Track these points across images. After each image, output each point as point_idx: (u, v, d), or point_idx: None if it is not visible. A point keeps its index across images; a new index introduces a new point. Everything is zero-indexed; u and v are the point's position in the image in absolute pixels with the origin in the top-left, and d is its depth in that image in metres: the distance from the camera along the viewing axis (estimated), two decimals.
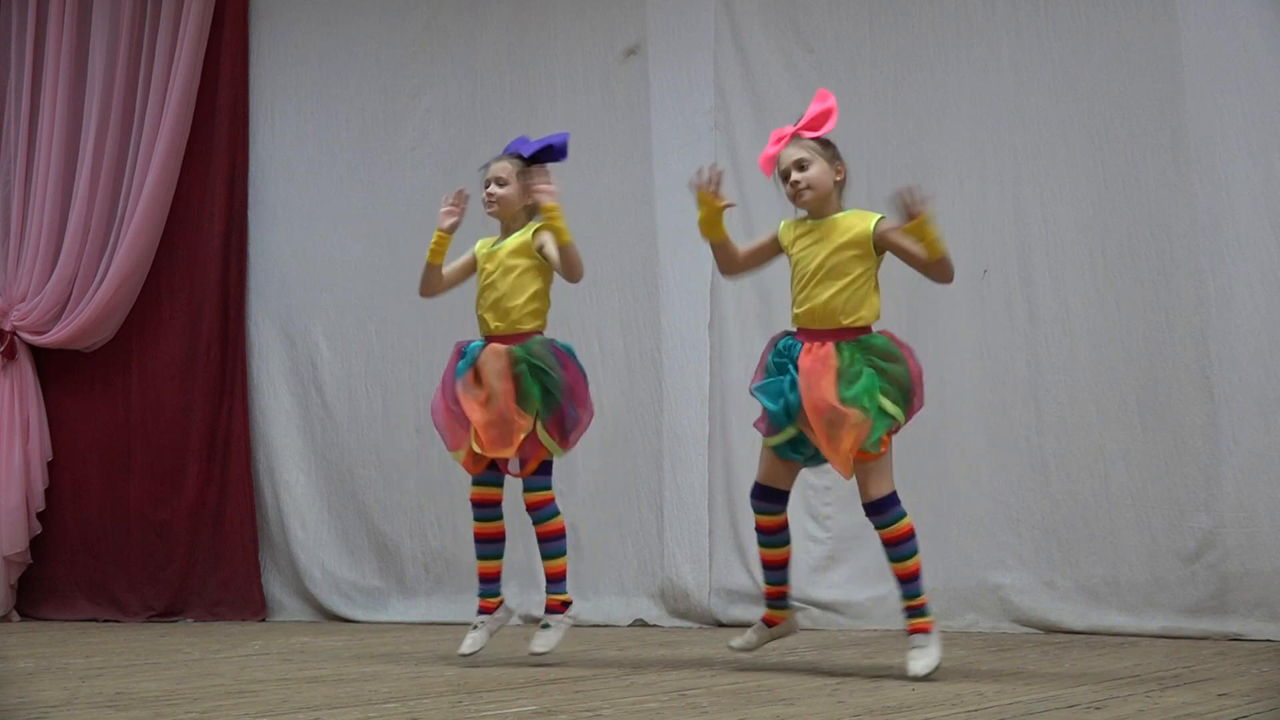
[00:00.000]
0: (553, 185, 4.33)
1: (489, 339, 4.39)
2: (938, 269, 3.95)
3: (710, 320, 5.96)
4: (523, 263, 4.39)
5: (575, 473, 6.15)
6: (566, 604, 4.42)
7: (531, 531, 4.43)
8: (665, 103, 6.16)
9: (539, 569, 5.95)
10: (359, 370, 6.84)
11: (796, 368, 3.90)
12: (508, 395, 4.26)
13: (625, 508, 6.09)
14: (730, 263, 4.19)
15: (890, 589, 5.49)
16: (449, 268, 4.53)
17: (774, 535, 4.08)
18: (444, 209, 4.48)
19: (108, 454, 7.21)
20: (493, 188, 4.44)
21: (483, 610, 4.44)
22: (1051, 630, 5.18)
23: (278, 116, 7.15)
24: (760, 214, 5.93)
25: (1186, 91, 5.10)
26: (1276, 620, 4.79)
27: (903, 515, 3.89)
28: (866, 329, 3.96)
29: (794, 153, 4.01)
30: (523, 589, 6.00)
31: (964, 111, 5.56)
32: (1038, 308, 5.36)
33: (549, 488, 4.39)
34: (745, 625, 5.60)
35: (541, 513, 4.38)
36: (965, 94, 5.56)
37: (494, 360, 4.31)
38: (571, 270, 4.33)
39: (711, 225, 4.09)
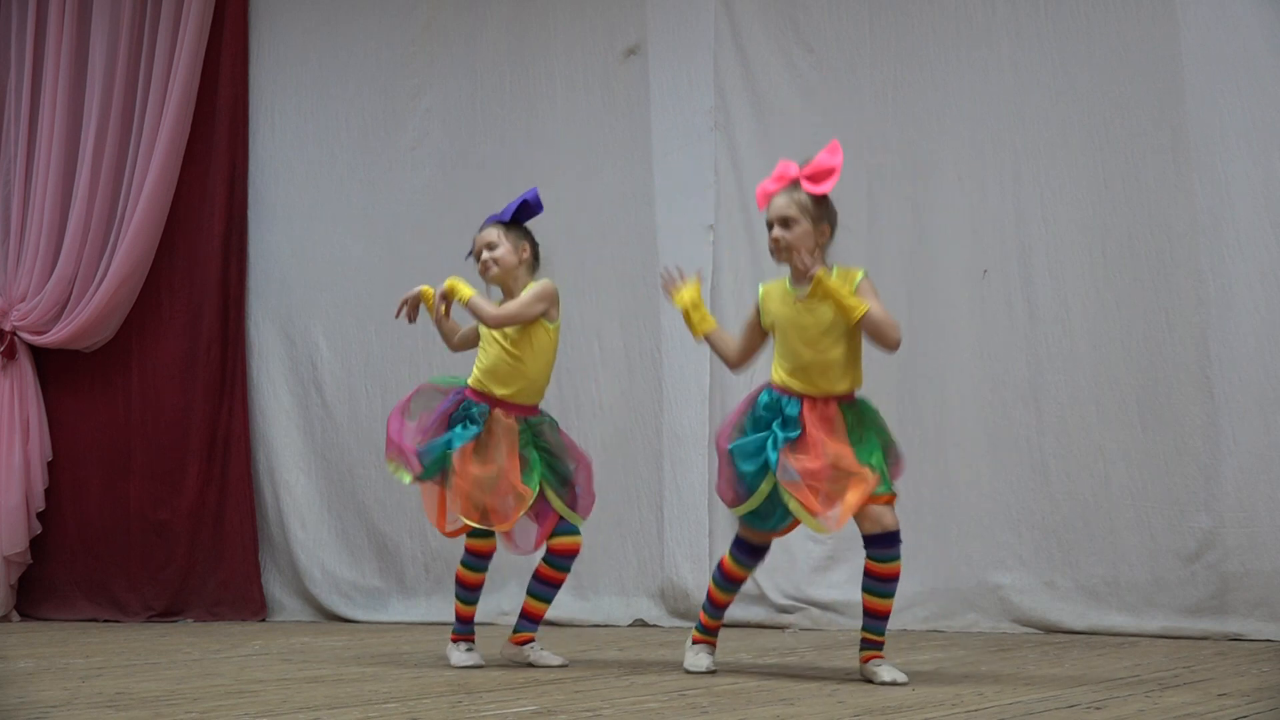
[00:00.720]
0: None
1: (485, 398, 4.27)
2: (872, 333, 3.80)
3: None
4: (525, 330, 4.31)
5: None
6: (527, 642, 4.33)
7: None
8: (665, 103, 6.16)
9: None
10: (359, 370, 6.84)
11: (784, 423, 3.81)
12: (512, 468, 4.20)
13: (625, 508, 6.09)
14: (730, 353, 4.08)
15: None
16: (465, 332, 4.45)
17: (738, 584, 4.07)
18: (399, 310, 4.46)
19: (108, 454, 7.21)
20: (485, 254, 4.38)
21: (465, 640, 4.38)
22: (1051, 630, 5.18)
23: (278, 116, 7.15)
24: (759, 214, 5.93)
25: (1186, 91, 5.10)
26: (1276, 620, 4.79)
27: (898, 557, 3.79)
28: (857, 388, 3.90)
29: (784, 205, 3.87)
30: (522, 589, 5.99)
31: (964, 111, 5.56)
32: (1038, 308, 5.36)
33: (579, 533, 4.31)
34: (745, 626, 5.62)
35: (565, 561, 4.30)
36: (965, 94, 5.56)
37: (506, 436, 4.24)
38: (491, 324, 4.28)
39: (694, 320, 4.05)
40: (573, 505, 4.29)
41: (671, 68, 6.17)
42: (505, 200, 6.74)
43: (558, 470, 4.29)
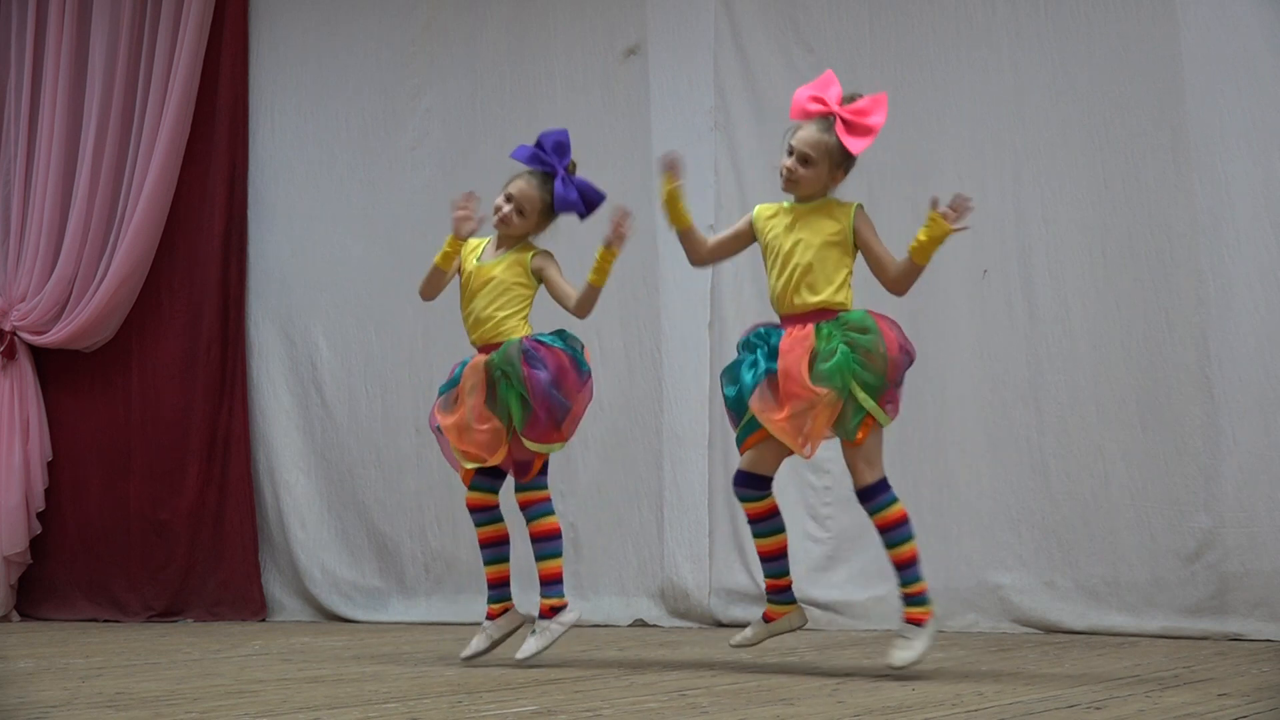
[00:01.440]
0: (625, 235, 4.32)
1: (478, 350, 4.43)
2: (907, 277, 3.90)
3: (710, 320, 5.96)
4: (513, 280, 4.41)
5: (575, 473, 6.15)
6: (556, 609, 4.32)
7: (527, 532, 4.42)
8: (665, 103, 6.16)
9: (537, 570, 5.94)
10: (359, 370, 6.84)
11: (769, 352, 3.88)
12: (475, 407, 4.28)
13: (625, 508, 6.09)
14: (696, 251, 4.16)
15: (891, 589, 5.51)
16: (439, 254, 4.52)
17: (765, 522, 4.03)
18: (458, 213, 4.44)
19: (108, 454, 7.21)
20: (510, 210, 4.38)
21: (489, 616, 4.43)
22: (1051, 630, 5.19)
23: (278, 116, 7.15)
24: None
25: (1186, 91, 5.10)
26: (1276, 620, 4.79)
27: (893, 500, 3.85)
28: (845, 308, 3.90)
29: (810, 141, 3.89)
30: (523, 590, 5.99)
31: (964, 111, 5.56)
32: (1038, 308, 5.36)
33: (543, 487, 4.37)
34: (745, 625, 5.61)
35: (533, 510, 4.35)
36: (965, 94, 5.56)
37: (471, 374, 4.35)
38: (584, 309, 4.39)
39: (672, 211, 4.09)
40: (541, 430, 4.26)
41: (671, 68, 6.16)
42: None
43: (523, 395, 4.27)
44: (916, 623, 3.82)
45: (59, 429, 7.30)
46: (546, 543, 4.36)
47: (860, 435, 3.83)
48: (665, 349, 6.06)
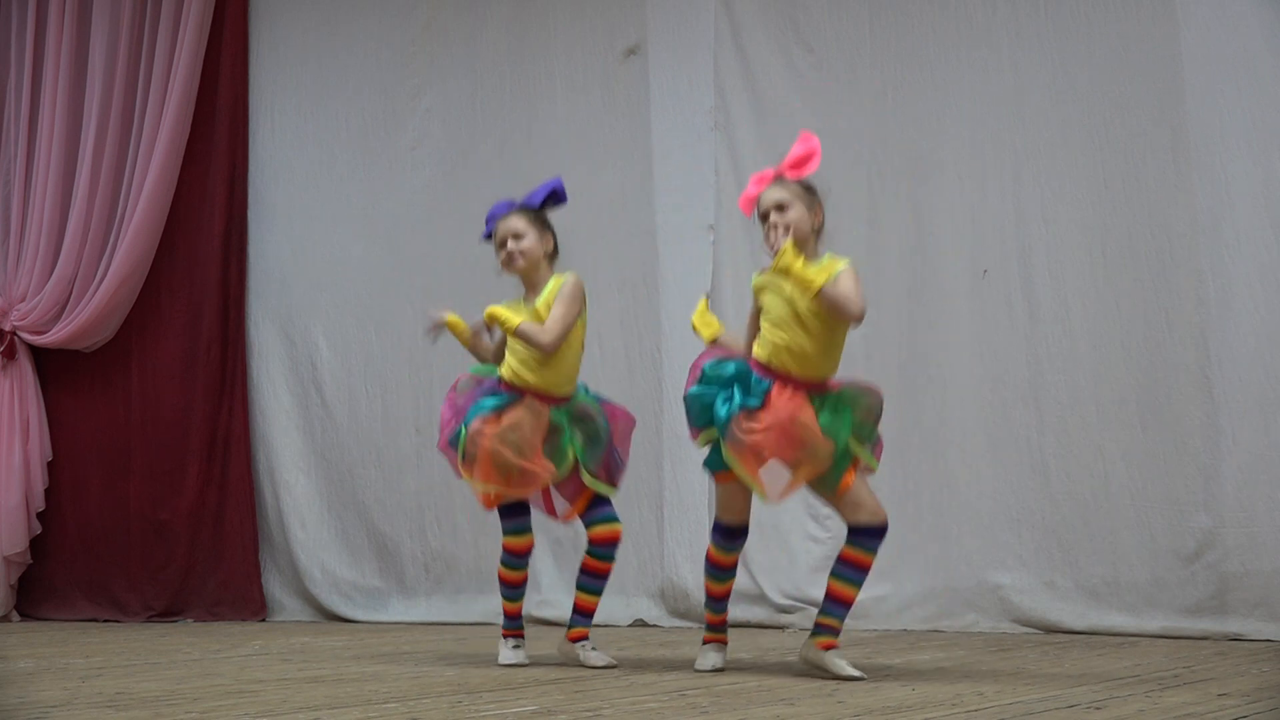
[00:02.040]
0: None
1: (526, 391, 4.24)
2: (830, 308, 3.83)
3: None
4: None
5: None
6: (581, 639, 4.36)
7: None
8: (665, 103, 6.16)
9: (537, 570, 5.94)
10: (359, 370, 6.84)
11: (746, 389, 3.88)
12: (535, 445, 4.19)
13: (625, 508, 6.05)
14: (743, 350, 4.07)
15: (890, 589, 5.52)
16: (498, 344, 4.39)
17: (729, 571, 4.17)
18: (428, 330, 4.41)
19: (108, 454, 7.21)
20: (511, 244, 4.29)
21: (516, 636, 4.40)
22: (1051, 630, 5.18)
23: (278, 116, 7.15)
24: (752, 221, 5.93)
25: (1186, 91, 5.10)
26: (1276, 620, 4.79)
27: (876, 551, 3.91)
28: (831, 381, 3.94)
29: (775, 194, 3.95)
30: (543, 591, 6.00)
31: (964, 111, 5.56)
32: (1038, 308, 5.36)
33: (618, 520, 4.34)
34: (745, 626, 5.63)
35: (608, 550, 4.33)
36: (965, 94, 5.56)
37: (534, 414, 4.22)
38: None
39: (701, 330, 4.14)
40: (605, 473, 4.29)
41: (671, 68, 6.16)
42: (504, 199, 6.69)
43: (594, 439, 4.26)
44: (833, 647, 3.88)
45: (59, 429, 7.30)
46: (601, 579, 4.38)
47: (842, 487, 3.89)
48: (665, 349, 6.06)
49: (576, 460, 4.25)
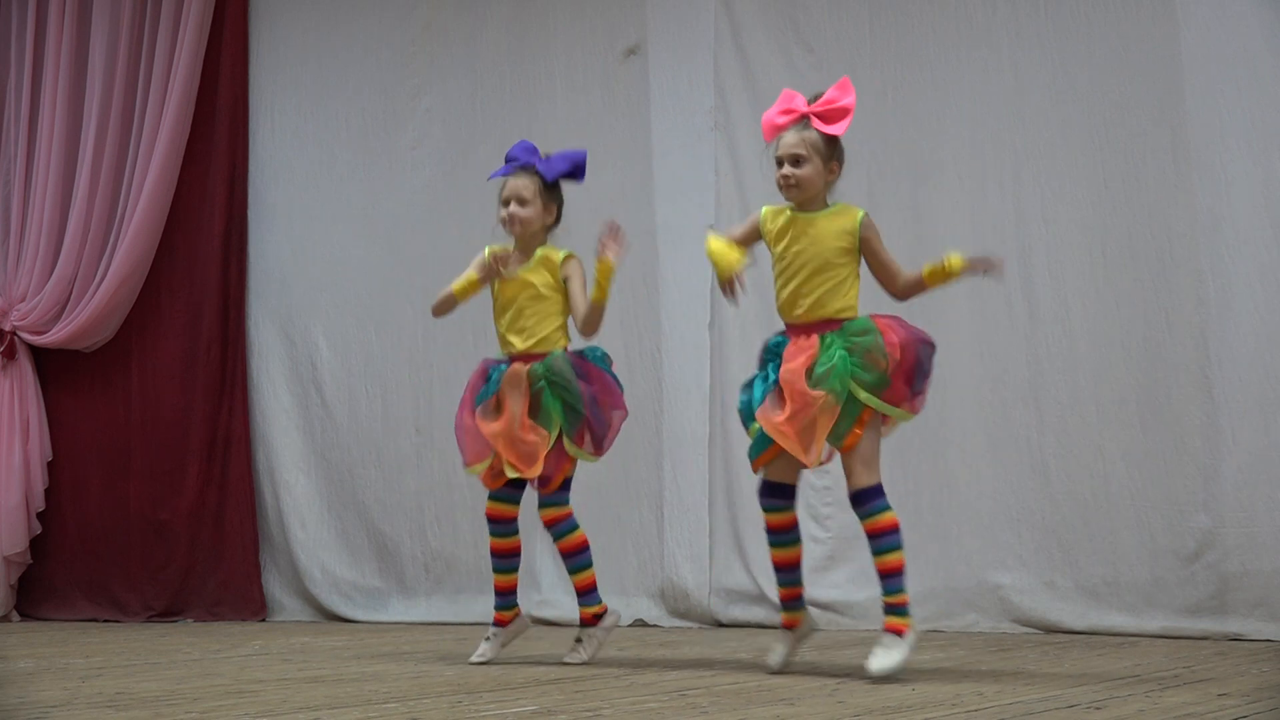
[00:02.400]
0: (620, 246, 4.26)
1: (512, 358, 4.35)
2: (912, 290, 3.97)
3: (710, 320, 5.96)
4: (547, 285, 4.35)
5: (575, 472, 6.14)
6: (599, 615, 4.43)
7: (533, 537, 4.44)
8: (665, 103, 6.16)
9: (537, 570, 5.95)
10: (359, 370, 6.84)
11: (777, 364, 3.90)
12: (521, 415, 4.23)
13: (625, 508, 6.09)
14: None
15: None
16: (459, 281, 4.46)
17: (784, 534, 4.03)
18: (490, 263, 4.36)
19: (108, 454, 7.21)
20: (514, 207, 4.34)
21: (497, 623, 4.45)
22: (1051, 630, 5.19)
23: (278, 116, 7.15)
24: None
25: (1186, 91, 5.10)
26: (1276, 620, 4.79)
27: (885, 507, 3.83)
28: (851, 318, 3.92)
29: (794, 142, 3.93)
30: (522, 590, 5.99)
31: (964, 111, 5.56)
32: (1038, 308, 5.36)
33: (566, 503, 4.39)
34: (745, 625, 5.63)
35: (559, 528, 4.39)
36: (965, 94, 5.56)
37: (514, 382, 4.29)
38: (590, 327, 4.31)
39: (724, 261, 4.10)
40: (587, 440, 4.29)
41: (671, 68, 6.16)
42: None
43: (573, 406, 4.26)
44: (896, 632, 3.80)
45: (59, 429, 7.30)
46: (576, 556, 4.42)
47: (850, 441, 3.83)
48: (665, 349, 6.06)
49: (560, 428, 4.26)
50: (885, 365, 3.83)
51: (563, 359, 4.31)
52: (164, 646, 5.37)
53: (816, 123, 3.93)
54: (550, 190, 4.40)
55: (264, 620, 6.83)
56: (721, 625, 5.80)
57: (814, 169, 3.92)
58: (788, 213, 4.01)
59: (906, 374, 3.86)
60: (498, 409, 4.30)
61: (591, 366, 4.35)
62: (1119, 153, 5.23)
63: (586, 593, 4.43)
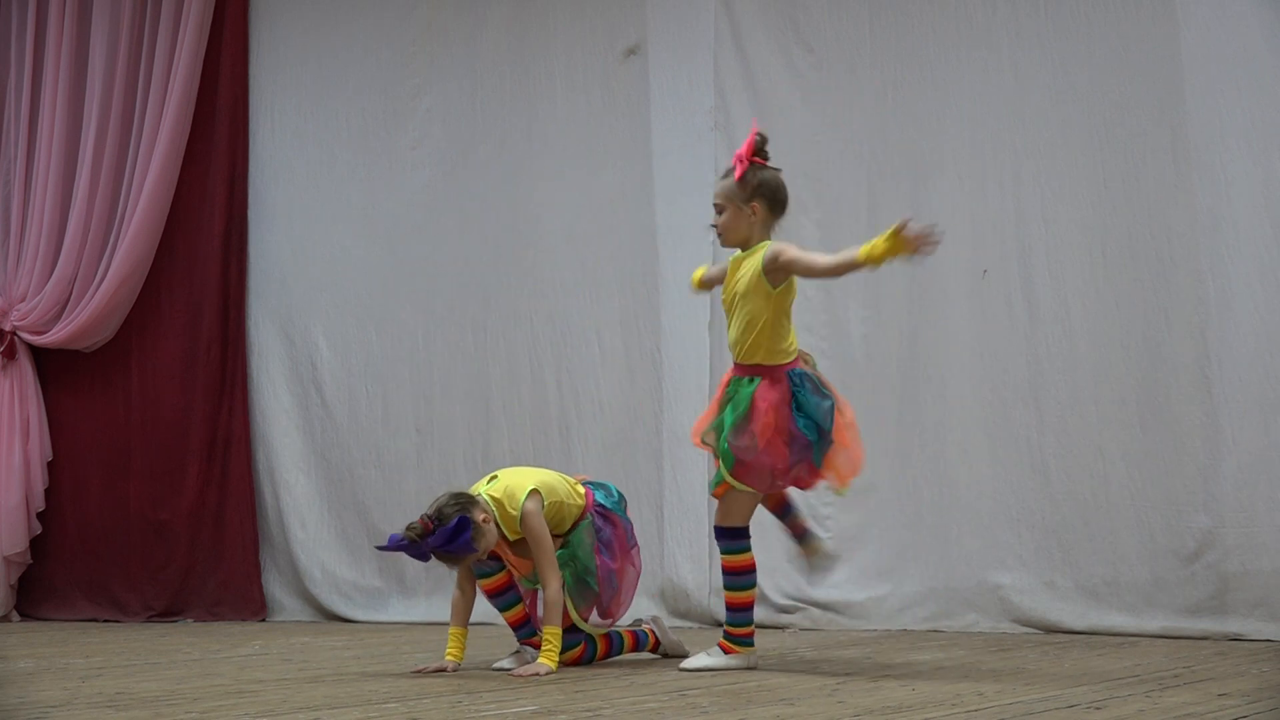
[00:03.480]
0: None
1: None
2: (843, 269, 4.00)
3: (710, 320, 5.95)
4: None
5: (575, 472, 6.14)
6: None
7: None
8: (665, 103, 6.16)
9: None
10: (359, 370, 6.84)
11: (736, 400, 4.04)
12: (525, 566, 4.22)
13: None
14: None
15: (890, 589, 5.52)
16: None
17: (742, 575, 4.15)
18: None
19: (108, 454, 7.21)
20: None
21: (530, 645, 4.31)
22: (1051, 630, 5.18)
23: (278, 116, 7.15)
24: None
25: (1186, 91, 5.10)
26: (1276, 620, 4.79)
27: (730, 551, 4.13)
28: (787, 358, 4.04)
29: (715, 193, 4.14)
30: None
31: (964, 111, 5.56)
32: (1038, 308, 5.36)
33: (579, 644, 4.27)
34: None
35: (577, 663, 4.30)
36: (965, 94, 5.56)
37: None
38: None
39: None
40: (591, 611, 4.28)
41: (671, 68, 6.16)
42: (506, 199, 6.77)
43: (581, 581, 4.24)
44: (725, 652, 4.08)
45: (59, 429, 7.30)
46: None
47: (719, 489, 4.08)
48: (665, 349, 6.06)
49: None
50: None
51: (589, 529, 4.27)
52: (164, 646, 5.37)
53: (736, 168, 4.10)
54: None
55: (264, 620, 6.83)
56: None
57: (730, 215, 4.09)
58: (732, 257, 4.18)
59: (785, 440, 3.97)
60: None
61: (614, 519, 4.36)
62: (1119, 153, 5.23)
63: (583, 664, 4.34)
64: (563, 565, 4.19)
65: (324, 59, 7.05)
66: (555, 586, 4.08)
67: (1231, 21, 5.04)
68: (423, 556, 4.08)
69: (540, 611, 4.22)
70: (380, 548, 4.16)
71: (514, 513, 4.09)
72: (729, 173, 4.11)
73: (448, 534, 4.01)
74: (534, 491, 4.14)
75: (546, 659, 4.00)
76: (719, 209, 4.11)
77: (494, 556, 4.21)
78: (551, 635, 4.04)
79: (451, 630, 4.20)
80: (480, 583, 4.25)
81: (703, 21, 6.09)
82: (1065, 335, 5.30)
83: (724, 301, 4.13)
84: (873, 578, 5.50)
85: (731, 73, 6.02)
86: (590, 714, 3.15)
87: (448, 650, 4.16)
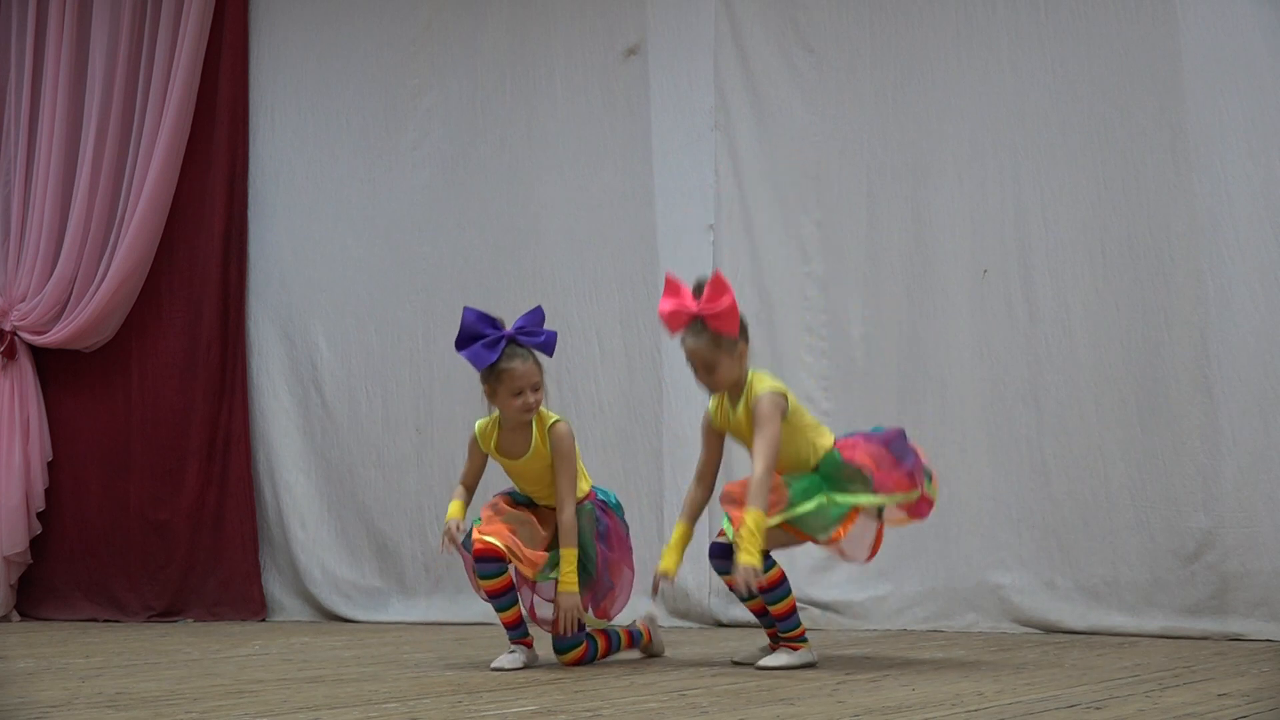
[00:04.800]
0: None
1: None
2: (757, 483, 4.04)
3: None
4: (547, 471, 4.28)
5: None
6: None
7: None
8: (665, 103, 6.16)
9: None
10: (359, 370, 6.83)
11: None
12: (536, 549, 4.22)
13: (625, 507, 6.07)
14: (703, 500, 4.33)
15: (890, 589, 5.53)
16: (471, 475, 4.36)
17: (782, 586, 4.15)
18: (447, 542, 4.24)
19: (108, 454, 7.21)
20: (529, 396, 4.19)
21: (524, 644, 4.29)
22: (1051, 630, 5.19)
23: (278, 116, 7.15)
24: (760, 214, 5.93)
25: (1186, 91, 5.10)
26: (1276, 620, 4.79)
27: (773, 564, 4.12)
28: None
29: (700, 350, 4.05)
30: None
31: (964, 111, 5.56)
32: (1038, 308, 5.36)
33: (582, 642, 4.31)
34: (745, 625, 5.62)
35: (582, 663, 4.32)
36: (965, 94, 5.56)
37: (542, 528, 4.28)
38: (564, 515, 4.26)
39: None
40: (590, 601, 4.31)
41: (671, 68, 6.16)
42: (506, 199, 6.77)
43: (584, 566, 4.27)
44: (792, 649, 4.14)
45: (59, 429, 7.30)
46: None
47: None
48: (665, 349, 6.05)
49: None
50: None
51: (590, 515, 4.30)
52: (164, 646, 5.37)
53: (714, 325, 4.02)
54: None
55: (264, 620, 6.83)
56: (721, 625, 5.80)
57: (727, 366, 4.07)
58: (722, 399, 4.18)
59: None
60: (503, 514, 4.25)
61: (613, 517, 4.39)
62: (1119, 153, 5.23)
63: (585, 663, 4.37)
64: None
65: (324, 59, 7.06)
66: (570, 512, 4.19)
67: (1231, 21, 5.04)
68: (495, 344, 4.16)
69: (537, 612, 4.30)
70: (467, 310, 4.24)
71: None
72: (699, 330, 4.01)
73: (537, 318, 4.18)
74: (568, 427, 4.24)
75: (568, 585, 4.12)
76: (708, 366, 4.04)
77: (498, 557, 4.19)
78: (569, 555, 4.17)
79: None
80: (483, 584, 4.23)
81: (703, 21, 6.09)
82: (1065, 335, 5.30)
83: (732, 435, 4.19)
84: (873, 578, 5.49)
85: (731, 73, 6.02)
86: (590, 714, 3.15)
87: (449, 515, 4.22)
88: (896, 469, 4.10)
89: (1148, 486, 5.10)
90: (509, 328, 4.22)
